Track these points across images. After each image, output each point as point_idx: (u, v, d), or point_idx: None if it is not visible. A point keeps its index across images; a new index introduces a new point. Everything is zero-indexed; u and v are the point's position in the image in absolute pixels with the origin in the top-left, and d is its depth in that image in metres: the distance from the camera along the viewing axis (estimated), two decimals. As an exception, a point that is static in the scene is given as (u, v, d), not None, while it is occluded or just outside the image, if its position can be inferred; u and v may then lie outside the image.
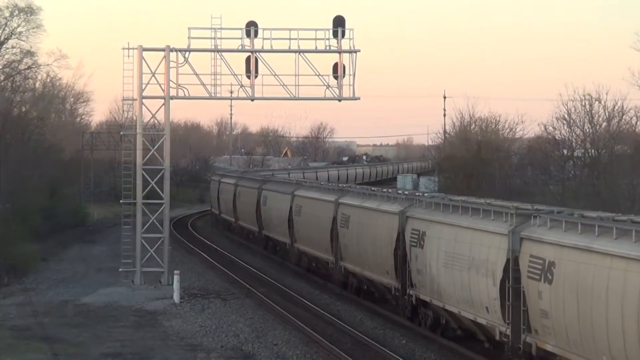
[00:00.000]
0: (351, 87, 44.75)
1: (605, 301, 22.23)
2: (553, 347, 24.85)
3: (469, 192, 54.34)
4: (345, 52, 44.76)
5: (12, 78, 71.21)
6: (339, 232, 43.02)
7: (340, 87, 44.92)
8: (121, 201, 45.33)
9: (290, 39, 44.41)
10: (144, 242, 44.64)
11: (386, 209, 37.32)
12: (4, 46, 71.65)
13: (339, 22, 44.77)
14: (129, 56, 44.32)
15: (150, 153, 45.65)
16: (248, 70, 44.70)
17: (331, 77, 44.82)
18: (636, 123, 59.32)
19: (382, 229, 37.56)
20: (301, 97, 44.93)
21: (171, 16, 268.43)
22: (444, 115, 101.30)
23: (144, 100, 44.86)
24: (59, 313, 38.44)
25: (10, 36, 71.70)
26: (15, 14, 71.27)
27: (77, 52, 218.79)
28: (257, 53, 44.64)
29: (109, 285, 45.34)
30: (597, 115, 58.89)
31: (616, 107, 58.42)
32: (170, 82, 44.69)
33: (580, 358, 23.47)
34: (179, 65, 44.69)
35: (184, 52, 44.59)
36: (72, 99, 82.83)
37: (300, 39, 44.45)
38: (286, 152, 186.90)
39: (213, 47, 44.49)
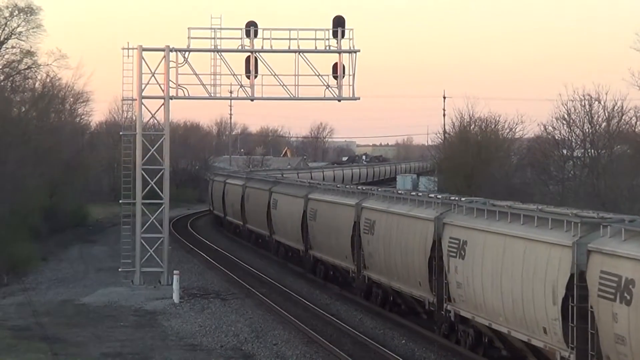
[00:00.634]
0: (351, 87, 44.78)
1: None
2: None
3: (469, 192, 54.34)
4: (345, 52, 44.76)
5: (11, 78, 71.17)
6: (362, 239, 40.02)
7: (340, 87, 44.92)
8: (121, 201, 45.32)
9: (290, 39, 44.44)
10: (143, 242, 44.64)
11: (419, 215, 34.24)
12: (4, 46, 71.59)
13: (338, 22, 44.77)
14: (128, 56, 44.36)
15: (149, 153, 45.65)
16: (248, 70, 44.70)
17: (331, 77, 44.82)
18: (636, 123, 59.23)
19: (414, 236, 34.49)
20: (301, 97, 44.94)
21: (171, 16, 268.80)
22: (444, 115, 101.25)
23: (143, 100, 44.86)
24: (59, 313, 38.47)
25: (10, 36, 71.64)
26: (15, 14, 71.19)
27: (77, 52, 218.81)
28: (256, 53, 44.64)
29: (108, 285, 45.36)
30: (596, 116, 58.81)
31: (616, 107, 58.34)
32: (170, 82, 44.69)
33: None
34: (179, 65, 44.70)
35: (183, 52, 44.58)
36: (71, 99, 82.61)
37: (300, 39, 44.49)
38: (286, 152, 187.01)
39: (213, 47, 44.49)
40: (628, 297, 21.34)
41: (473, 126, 73.13)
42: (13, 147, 56.98)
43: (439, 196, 34.86)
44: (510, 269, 26.84)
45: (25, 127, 65.33)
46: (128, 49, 44.30)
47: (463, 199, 32.91)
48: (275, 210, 55.64)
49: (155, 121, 47.86)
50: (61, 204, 70.42)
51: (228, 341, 33.08)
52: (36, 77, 74.17)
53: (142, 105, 44.84)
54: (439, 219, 32.34)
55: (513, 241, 26.99)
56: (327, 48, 44.76)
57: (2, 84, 69.23)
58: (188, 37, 44.45)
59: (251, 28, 44.62)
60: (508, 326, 27.21)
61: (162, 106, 44.95)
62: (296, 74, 44.40)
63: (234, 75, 44.65)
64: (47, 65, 73.14)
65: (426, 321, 34.81)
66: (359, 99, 45.08)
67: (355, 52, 44.66)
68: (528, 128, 71.12)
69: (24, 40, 71.70)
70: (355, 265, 41.29)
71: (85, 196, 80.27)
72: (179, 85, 44.83)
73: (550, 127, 61.19)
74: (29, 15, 71.51)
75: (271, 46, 44.78)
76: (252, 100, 45.24)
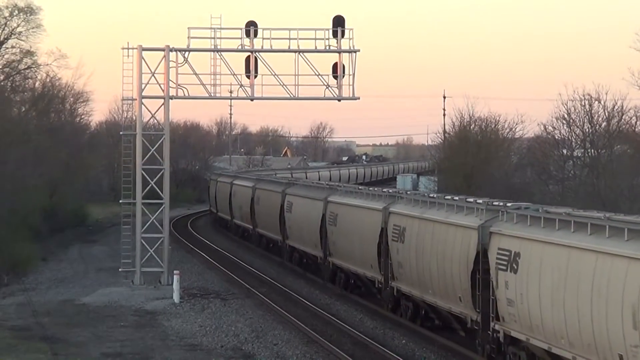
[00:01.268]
0: (351, 87, 44.78)
1: None
2: None
3: (469, 192, 54.31)
4: (344, 52, 44.75)
5: (11, 78, 71.16)
6: (391, 247, 36.72)
7: (339, 87, 44.91)
8: (121, 201, 45.31)
9: (290, 38, 44.44)
10: (143, 242, 44.63)
11: (460, 222, 30.88)
12: (4, 46, 71.55)
13: (338, 22, 44.76)
14: (128, 56, 44.36)
15: (150, 153, 45.64)
16: (248, 70, 44.69)
17: (331, 77, 44.81)
18: (636, 123, 59.17)
19: (453, 246, 31.17)
20: (301, 97, 44.93)
21: (171, 16, 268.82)
22: (444, 115, 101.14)
23: (143, 100, 44.86)
24: (59, 313, 38.46)
25: (10, 36, 71.61)
26: (15, 13, 71.16)
27: (77, 52, 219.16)
28: (256, 53, 44.63)
29: (108, 285, 45.35)
30: (596, 115, 58.74)
31: (616, 107, 58.28)
32: (170, 82, 44.68)
33: None
34: (179, 65, 44.70)
35: (183, 52, 44.57)
36: (71, 99, 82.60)
37: (300, 38, 44.48)
38: (286, 152, 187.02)
39: (213, 47, 44.48)
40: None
41: (473, 126, 73.14)
42: (13, 147, 56.95)
43: (479, 201, 31.27)
44: (576, 285, 23.78)
45: (25, 127, 65.35)
46: (128, 48, 44.31)
47: (509, 204, 29.60)
48: (290, 214, 52.23)
49: (155, 121, 47.92)
50: (61, 204, 70.41)
51: (228, 341, 33.07)
52: (36, 77, 74.24)
53: (142, 105, 44.84)
54: (484, 228, 29.02)
55: (580, 254, 23.82)
56: (327, 48, 44.75)
57: (2, 84, 69.22)
58: (188, 37, 44.51)
59: (251, 28, 44.61)
60: (572, 351, 23.98)
61: (162, 106, 44.95)
62: (296, 73, 44.43)
63: (234, 75, 44.67)
64: (47, 65, 73.21)
65: (464, 338, 32.25)
66: (358, 98, 45.10)
67: (355, 52, 44.66)
68: (528, 128, 71.16)
69: (23, 40, 71.73)
70: (382, 275, 38.08)
71: (85, 196, 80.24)
72: (178, 85, 44.84)
73: (550, 127, 61.17)
74: (28, 15, 71.51)
75: (271, 46, 44.78)
76: (252, 100, 45.24)
